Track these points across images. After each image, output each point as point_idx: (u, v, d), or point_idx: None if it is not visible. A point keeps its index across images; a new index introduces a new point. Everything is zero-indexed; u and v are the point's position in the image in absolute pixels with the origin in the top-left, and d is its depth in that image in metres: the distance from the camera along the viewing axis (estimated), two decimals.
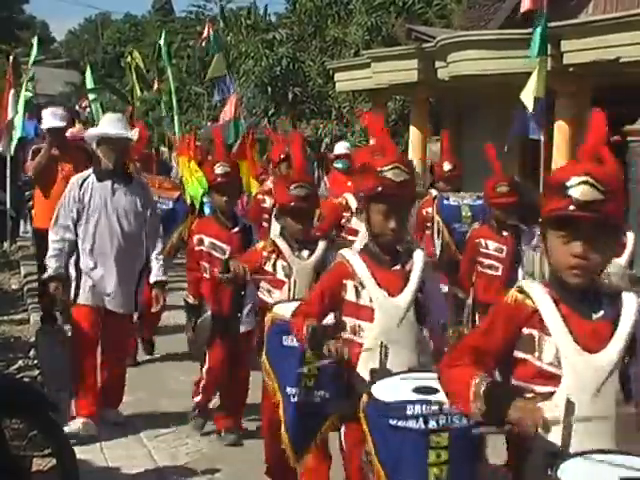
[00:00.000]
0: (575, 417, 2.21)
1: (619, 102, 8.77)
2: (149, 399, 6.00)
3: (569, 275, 2.31)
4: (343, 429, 3.32)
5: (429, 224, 6.93)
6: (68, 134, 7.94)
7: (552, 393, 2.28)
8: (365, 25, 18.91)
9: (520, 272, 5.84)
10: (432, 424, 2.73)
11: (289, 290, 4.17)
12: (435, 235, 6.78)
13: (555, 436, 2.22)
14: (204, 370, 5.21)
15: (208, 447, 5.14)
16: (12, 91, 11.82)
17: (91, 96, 13.30)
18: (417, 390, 2.81)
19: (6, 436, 3.89)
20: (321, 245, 4.30)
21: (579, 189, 2.22)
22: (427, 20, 18.91)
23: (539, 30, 8.82)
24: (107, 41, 52.37)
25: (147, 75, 18.85)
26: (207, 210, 8.43)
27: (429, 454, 2.72)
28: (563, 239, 2.30)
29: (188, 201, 8.79)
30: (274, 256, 4.25)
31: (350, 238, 5.83)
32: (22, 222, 13.46)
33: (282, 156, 7.20)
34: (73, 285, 5.31)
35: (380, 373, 3.03)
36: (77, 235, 5.30)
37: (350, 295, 3.24)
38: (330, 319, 3.35)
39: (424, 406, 2.74)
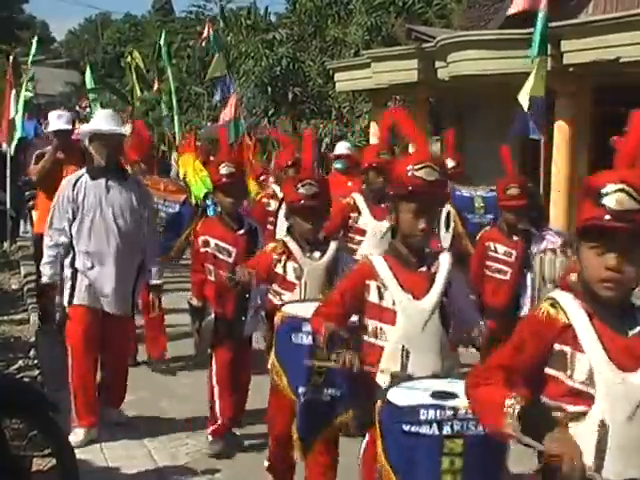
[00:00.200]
0: (609, 440, 2.12)
1: (619, 102, 8.75)
2: (150, 399, 6.00)
3: (601, 288, 2.20)
4: (367, 438, 3.23)
5: None
6: (74, 135, 7.94)
7: (584, 413, 2.18)
8: (365, 25, 18.88)
9: (529, 277, 5.73)
10: (446, 430, 2.65)
11: (300, 292, 4.08)
12: (442, 228, 6.63)
13: (588, 458, 2.12)
14: (214, 381, 5.00)
15: (208, 447, 5.12)
16: (13, 91, 11.84)
17: (91, 96, 13.28)
18: (435, 395, 2.74)
19: (6, 436, 3.89)
20: (333, 245, 4.21)
21: (614, 197, 2.12)
22: (427, 20, 18.88)
23: (539, 30, 8.81)
24: (107, 41, 52.45)
25: (147, 75, 18.87)
26: (210, 212, 8.36)
27: (442, 461, 2.64)
28: (597, 250, 2.19)
29: (193, 202, 8.67)
30: (284, 257, 4.15)
31: (358, 238, 5.77)
32: (22, 222, 13.43)
33: (290, 162, 6.97)
34: (69, 285, 5.22)
35: (400, 377, 2.96)
36: (72, 235, 5.19)
37: (373, 296, 3.16)
38: (354, 320, 3.27)
39: (438, 411, 2.66)
